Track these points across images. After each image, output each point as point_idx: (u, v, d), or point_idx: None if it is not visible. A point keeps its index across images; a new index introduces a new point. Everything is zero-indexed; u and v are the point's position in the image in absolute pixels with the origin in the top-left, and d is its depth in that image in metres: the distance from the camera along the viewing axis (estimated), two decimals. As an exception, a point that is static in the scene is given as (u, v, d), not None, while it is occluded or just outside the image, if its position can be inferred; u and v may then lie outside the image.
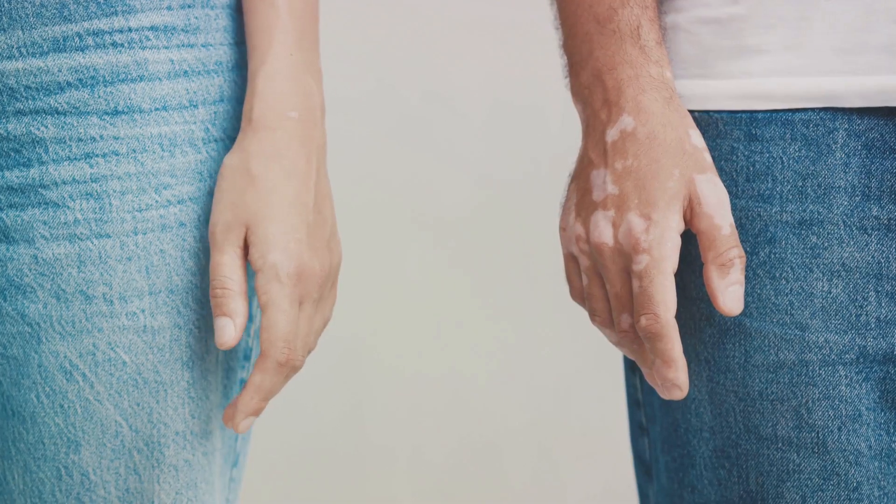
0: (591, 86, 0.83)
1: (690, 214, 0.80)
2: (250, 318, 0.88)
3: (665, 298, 0.78)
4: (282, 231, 0.78)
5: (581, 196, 0.82)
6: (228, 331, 0.77)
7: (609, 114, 0.81)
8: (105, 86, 0.78)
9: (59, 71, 0.77)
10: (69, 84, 0.77)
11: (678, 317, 0.85)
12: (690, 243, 0.84)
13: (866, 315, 0.82)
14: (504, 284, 1.85)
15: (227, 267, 0.78)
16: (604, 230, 0.80)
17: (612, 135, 0.81)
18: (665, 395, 0.80)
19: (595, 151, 0.82)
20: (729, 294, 0.79)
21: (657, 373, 0.80)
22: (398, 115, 1.83)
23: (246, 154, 0.79)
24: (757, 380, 0.83)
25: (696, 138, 0.81)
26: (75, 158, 0.78)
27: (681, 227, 0.80)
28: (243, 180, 0.78)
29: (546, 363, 1.89)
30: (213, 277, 0.78)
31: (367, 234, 1.88)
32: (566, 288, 0.86)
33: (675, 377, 0.79)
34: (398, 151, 1.85)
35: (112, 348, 0.79)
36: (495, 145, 1.83)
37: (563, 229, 0.84)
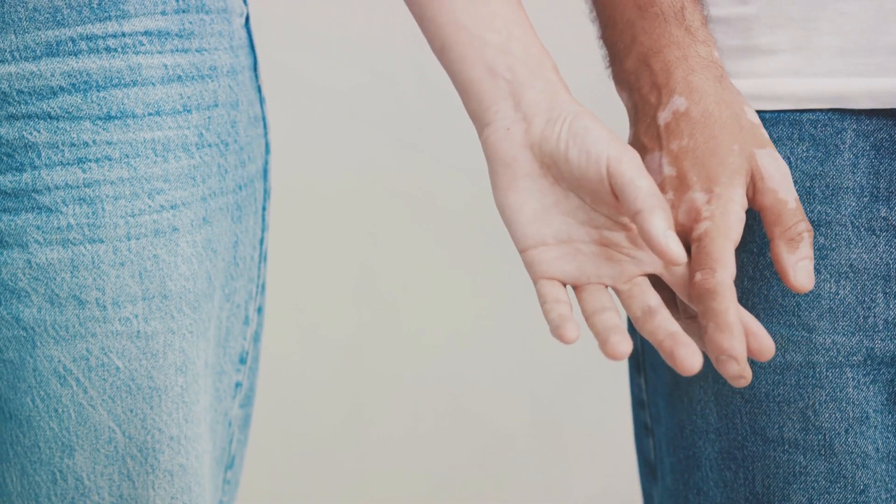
0: (638, 71, 0.82)
1: (753, 191, 0.78)
2: (246, 322, 0.88)
3: (724, 257, 0.75)
4: None
5: None
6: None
7: (659, 97, 0.80)
8: (98, 90, 0.77)
9: (52, 75, 0.77)
10: (62, 88, 0.77)
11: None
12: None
13: (874, 317, 0.81)
14: (505, 283, 1.84)
15: None
16: None
17: (664, 117, 0.80)
18: (721, 371, 0.73)
19: (647, 136, 0.81)
20: (800, 269, 0.76)
21: (710, 343, 0.74)
22: (396, 108, 1.83)
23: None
24: (763, 381, 0.83)
25: (752, 114, 0.79)
26: (68, 163, 0.78)
27: (745, 203, 0.78)
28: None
29: (547, 363, 1.88)
30: (657, 191, 0.74)
31: (364, 231, 1.87)
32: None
33: (730, 346, 0.72)
34: (396, 145, 1.85)
35: (105, 353, 0.79)
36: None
37: None
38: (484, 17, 0.79)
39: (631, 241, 0.78)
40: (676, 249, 0.72)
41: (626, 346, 0.73)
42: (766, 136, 0.79)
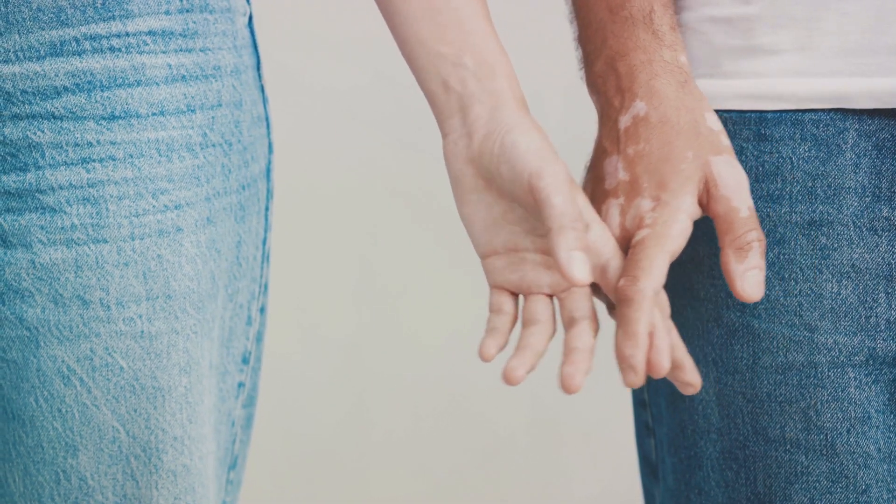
0: (605, 74, 0.82)
1: (707, 198, 0.78)
2: (249, 322, 0.88)
3: (651, 266, 0.75)
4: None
5: (594, 186, 0.82)
6: (588, 265, 0.74)
7: (622, 100, 0.81)
8: (102, 90, 0.77)
9: (56, 75, 0.76)
10: (66, 88, 0.77)
11: (686, 317, 0.85)
12: (697, 243, 0.84)
13: (876, 317, 0.81)
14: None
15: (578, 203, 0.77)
16: (613, 219, 0.79)
17: (624, 121, 0.80)
18: (623, 380, 0.74)
19: (608, 139, 0.81)
20: (747, 279, 0.76)
21: (616, 350, 0.74)
22: (396, 108, 1.83)
23: (533, 119, 0.79)
24: (765, 381, 0.83)
25: (712, 121, 0.80)
26: (72, 163, 0.77)
27: (694, 212, 0.78)
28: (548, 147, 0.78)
29: (547, 363, 1.88)
30: (571, 209, 0.74)
31: (364, 231, 1.87)
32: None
33: (630, 355, 0.73)
34: (397, 145, 1.85)
35: (109, 353, 0.79)
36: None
37: None
38: (438, 29, 0.81)
39: None
40: (577, 272, 0.73)
41: (520, 371, 0.76)
42: (726, 142, 0.79)
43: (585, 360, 0.75)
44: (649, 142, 0.79)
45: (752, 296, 0.76)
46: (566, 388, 0.74)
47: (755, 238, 0.76)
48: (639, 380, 0.73)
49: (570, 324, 0.78)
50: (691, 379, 0.77)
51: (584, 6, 0.85)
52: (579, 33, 0.85)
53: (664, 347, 0.74)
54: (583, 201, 0.78)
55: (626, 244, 0.78)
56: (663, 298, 0.77)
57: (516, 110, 0.79)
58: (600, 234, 0.78)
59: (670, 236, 0.76)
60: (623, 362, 0.73)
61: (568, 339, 0.76)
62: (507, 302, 0.80)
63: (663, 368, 0.74)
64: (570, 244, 0.73)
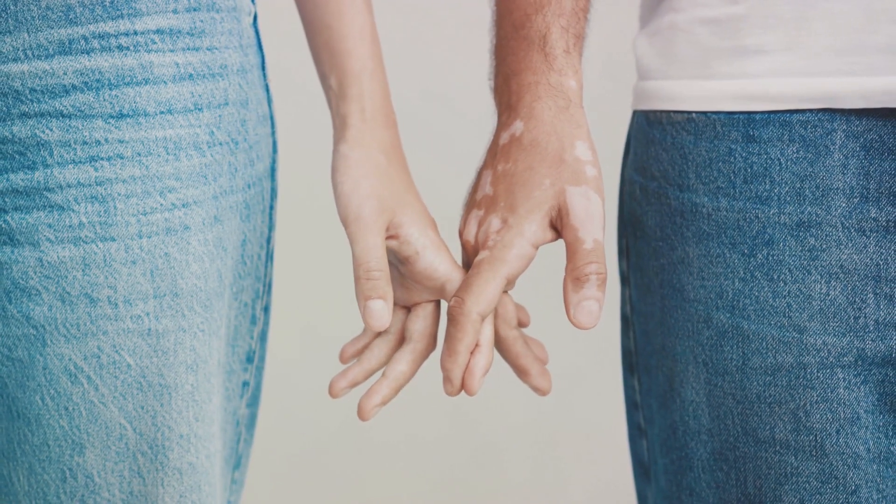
0: (501, 89, 0.84)
1: (560, 225, 0.80)
2: (253, 321, 0.88)
3: (480, 291, 0.79)
4: (422, 213, 0.86)
5: (472, 193, 0.85)
6: (385, 313, 0.82)
7: (508, 117, 0.83)
8: (110, 89, 0.77)
9: (65, 74, 0.77)
10: (74, 87, 0.77)
11: (675, 318, 0.85)
12: (687, 245, 0.84)
13: (865, 317, 0.82)
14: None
15: (381, 249, 0.82)
16: (471, 229, 0.83)
17: (503, 138, 0.83)
18: (444, 388, 0.81)
19: (490, 152, 0.84)
20: (581, 308, 0.79)
21: (440, 361, 0.81)
22: (395, 108, 1.83)
23: (368, 148, 0.84)
24: (755, 382, 0.83)
25: (582, 150, 0.81)
26: (80, 161, 0.77)
27: (538, 238, 0.80)
28: (376, 170, 0.84)
29: (550, 365, 1.88)
30: (365, 260, 0.82)
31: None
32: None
33: (450, 369, 0.80)
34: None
35: (116, 351, 0.79)
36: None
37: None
38: (317, 50, 0.88)
39: (408, 274, 0.85)
40: (371, 321, 0.82)
41: (337, 386, 0.87)
42: (591, 173, 0.81)
43: (382, 392, 0.83)
44: (516, 163, 0.81)
45: (582, 324, 0.79)
46: (358, 416, 0.83)
47: (594, 271, 0.79)
48: (454, 390, 0.80)
49: (403, 340, 0.86)
50: (538, 384, 0.85)
51: (496, 21, 0.86)
52: (493, 44, 0.87)
53: (477, 371, 0.81)
54: (413, 230, 0.84)
55: (475, 257, 0.82)
56: (506, 312, 0.84)
57: (351, 140, 0.84)
58: (432, 259, 0.84)
59: (505, 261, 0.79)
60: (444, 373, 0.80)
61: (389, 363, 0.85)
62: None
63: (472, 388, 0.80)
64: (364, 293, 0.81)
